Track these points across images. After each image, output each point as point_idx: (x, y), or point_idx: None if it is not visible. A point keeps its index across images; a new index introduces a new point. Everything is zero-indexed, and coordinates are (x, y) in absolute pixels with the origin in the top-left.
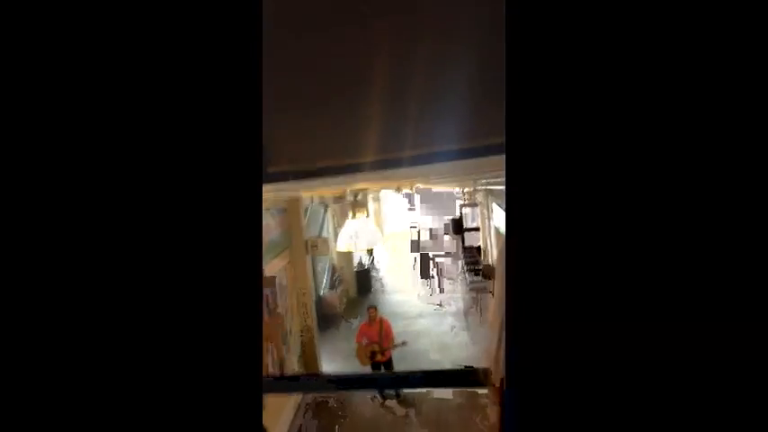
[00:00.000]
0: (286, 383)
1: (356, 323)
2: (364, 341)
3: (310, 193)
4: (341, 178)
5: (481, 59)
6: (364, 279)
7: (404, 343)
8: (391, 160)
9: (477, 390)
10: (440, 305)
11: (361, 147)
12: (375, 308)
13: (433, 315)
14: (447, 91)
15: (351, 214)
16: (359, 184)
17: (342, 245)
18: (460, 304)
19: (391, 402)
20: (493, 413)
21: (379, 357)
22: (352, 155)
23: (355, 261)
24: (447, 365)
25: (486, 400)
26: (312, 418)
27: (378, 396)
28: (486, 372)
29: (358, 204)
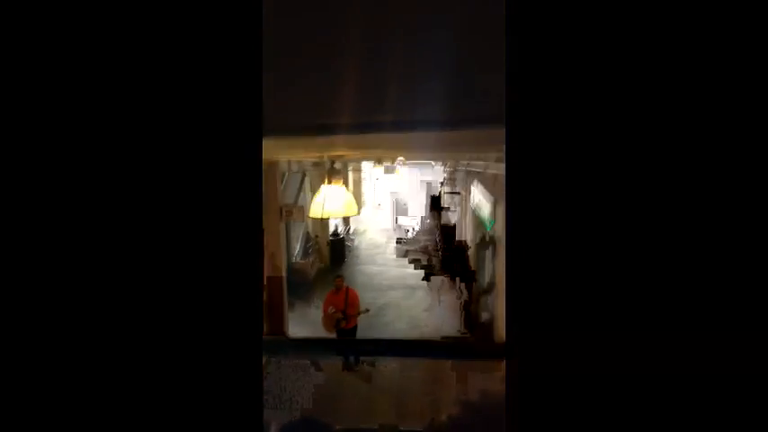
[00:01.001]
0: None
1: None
2: (330, 309)
3: (288, 157)
4: (319, 139)
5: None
6: (338, 249)
7: (366, 310)
8: (370, 123)
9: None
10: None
11: (341, 107)
12: (341, 277)
13: (403, 288)
14: (431, 60)
15: (326, 181)
16: (337, 150)
17: (314, 211)
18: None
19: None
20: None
21: (342, 324)
22: (330, 115)
23: (331, 230)
24: (412, 337)
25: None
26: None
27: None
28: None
29: (334, 172)
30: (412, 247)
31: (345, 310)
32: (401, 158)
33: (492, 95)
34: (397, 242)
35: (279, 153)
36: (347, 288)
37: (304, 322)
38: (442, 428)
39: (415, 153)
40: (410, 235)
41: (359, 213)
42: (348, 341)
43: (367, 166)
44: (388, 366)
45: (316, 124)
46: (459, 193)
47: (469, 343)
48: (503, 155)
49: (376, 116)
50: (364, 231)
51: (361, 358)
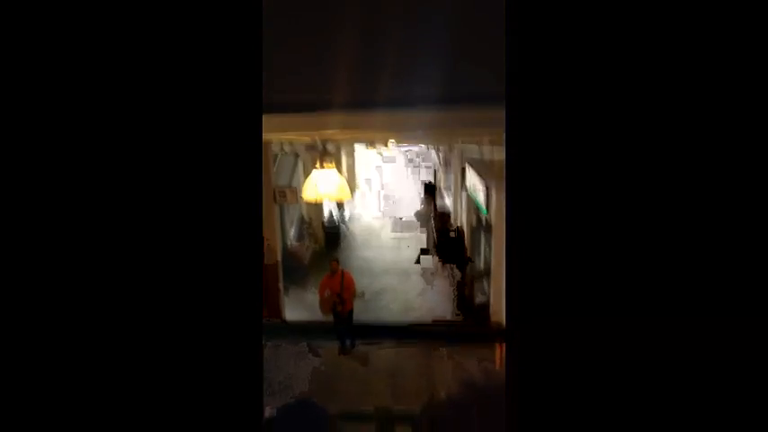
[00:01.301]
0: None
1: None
2: (326, 293)
3: (280, 137)
4: (311, 117)
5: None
6: (333, 233)
7: (362, 294)
8: (364, 101)
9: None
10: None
11: (334, 84)
12: (337, 261)
13: (398, 273)
14: (427, 37)
15: (319, 164)
16: (329, 130)
17: (307, 194)
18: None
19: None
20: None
21: (339, 308)
22: (323, 92)
23: (325, 214)
24: (407, 320)
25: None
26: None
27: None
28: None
29: (327, 154)
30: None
31: (341, 293)
32: (393, 141)
33: (489, 74)
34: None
35: (270, 132)
36: (342, 271)
37: (300, 306)
38: (437, 409)
39: (409, 135)
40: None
41: (352, 197)
42: (345, 325)
43: (359, 149)
44: (384, 349)
45: (308, 101)
46: (449, 166)
47: (463, 326)
48: (496, 137)
49: (369, 94)
50: (359, 217)
51: (357, 341)
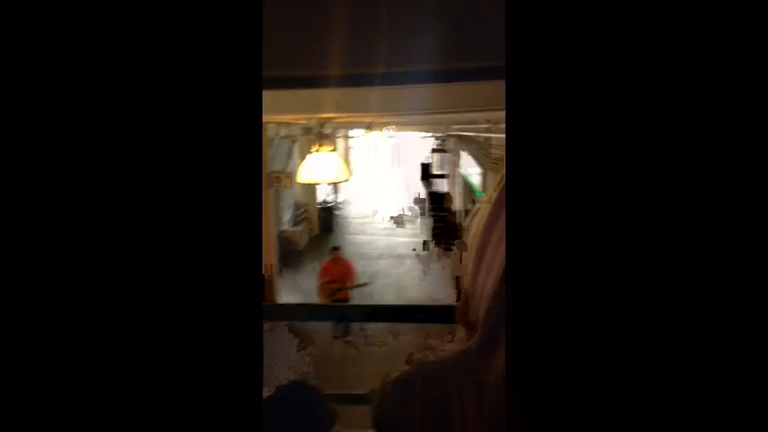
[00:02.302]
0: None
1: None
2: (326, 279)
3: (275, 118)
4: (307, 95)
5: None
6: (328, 217)
7: (366, 284)
8: (361, 76)
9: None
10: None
11: (330, 59)
12: (338, 248)
13: (393, 257)
14: (425, 10)
15: (315, 147)
16: (325, 111)
17: (303, 176)
18: (422, 248)
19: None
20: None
21: (338, 295)
22: (319, 67)
23: (320, 198)
24: (402, 303)
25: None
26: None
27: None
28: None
29: (323, 136)
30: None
31: (342, 281)
32: (392, 126)
33: (488, 49)
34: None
35: (265, 114)
36: (343, 259)
37: (295, 291)
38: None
39: (406, 121)
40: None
41: (348, 180)
42: (338, 307)
43: (356, 133)
44: (378, 332)
45: (302, 77)
46: (446, 151)
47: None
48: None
49: (366, 68)
50: (355, 201)
51: (349, 330)
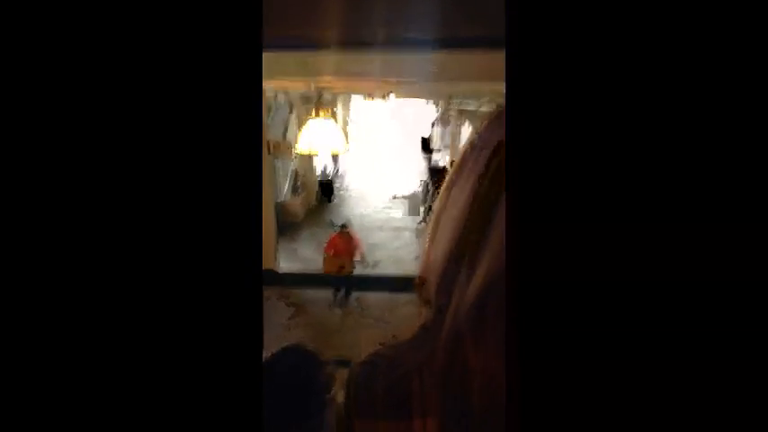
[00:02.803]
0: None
1: (321, 234)
2: (332, 253)
3: (274, 83)
4: (305, 59)
5: None
6: (327, 187)
7: (375, 263)
8: (361, 41)
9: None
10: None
11: (329, 23)
12: (349, 224)
13: (391, 230)
14: None
15: (313, 113)
16: (324, 77)
17: (301, 146)
18: (421, 221)
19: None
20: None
21: (344, 271)
22: (318, 31)
23: (320, 168)
24: (401, 273)
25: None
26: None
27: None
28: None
29: (322, 104)
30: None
31: (348, 256)
32: (391, 93)
33: (491, 16)
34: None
35: (264, 79)
36: (351, 235)
37: (294, 260)
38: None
39: (407, 89)
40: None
41: (348, 149)
42: (337, 277)
43: (356, 100)
44: (378, 302)
45: (302, 40)
46: (448, 123)
47: None
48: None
49: (366, 33)
50: (354, 171)
51: (347, 301)
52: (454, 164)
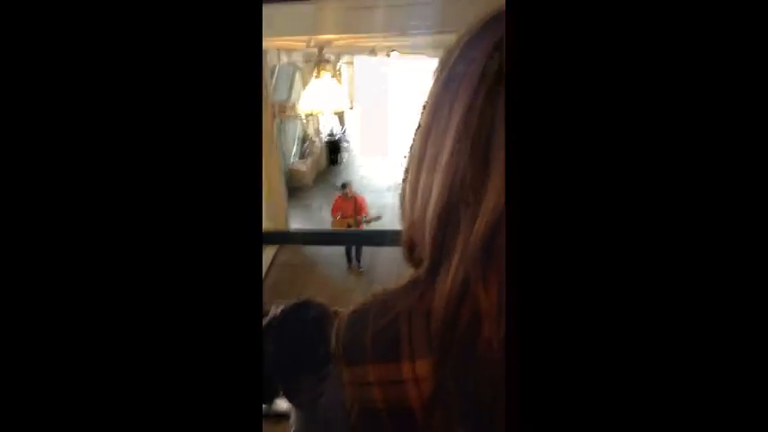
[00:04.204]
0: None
1: (328, 196)
2: (339, 215)
3: (275, 42)
4: (305, 14)
5: None
6: (334, 149)
7: (378, 217)
8: None
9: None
10: None
11: None
12: (348, 184)
13: (399, 189)
14: None
15: (315, 72)
16: (325, 35)
17: (304, 105)
18: None
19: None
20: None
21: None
22: None
23: (326, 130)
24: None
25: None
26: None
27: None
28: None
29: (323, 61)
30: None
31: (355, 216)
32: (395, 51)
33: None
34: None
35: (264, 37)
36: (355, 194)
37: (305, 224)
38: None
39: (411, 41)
40: None
41: (352, 107)
42: (351, 232)
43: (360, 60)
44: (387, 261)
45: None
46: None
47: None
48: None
49: None
50: (361, 131)
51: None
52: (425, 107)
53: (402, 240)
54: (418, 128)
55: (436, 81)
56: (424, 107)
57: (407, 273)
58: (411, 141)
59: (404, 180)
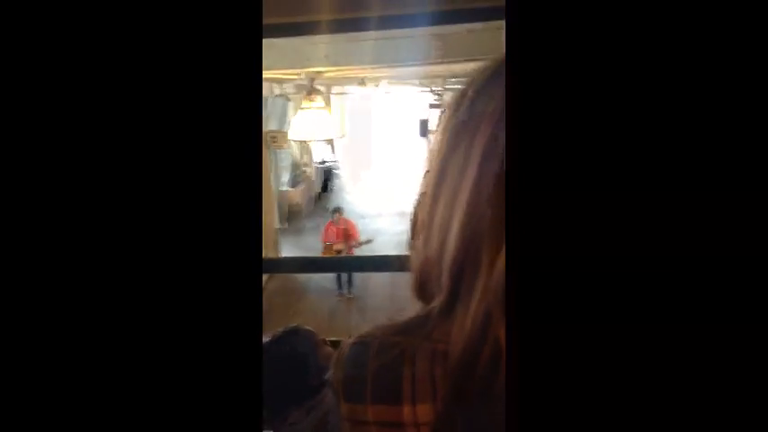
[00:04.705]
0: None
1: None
2: (330, 242)
3: (266, 75)
4: (295, 45)
5: None
6: (326, 176)
7: (369, 241)
8: (352, 20)
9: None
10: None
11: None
12: (340, 209)
13: (391, 215)
14: None
15: (305, 102)
16: (315, 67)
17: (293, 134)
18: None
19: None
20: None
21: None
22: (305, 12)
23: (318, 158)
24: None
25: None
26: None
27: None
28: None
29: (314, 91)
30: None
31: (345, 241)
32: (385, 81)
33: None
34: None
35: None
36: (345, 219)
37: (297, 251)
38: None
39: (400, 72)
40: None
41: (343, 135)
42: (339, 258)
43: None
44: (380, 287)
45: (291, 24)
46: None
47: None
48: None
49: (360, 11)
50: (351, 159)
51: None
52: (437, 142)
53: (413, 276)
54: (430, 166)
55: (451, 119)
56: (437, 145)
57: (404, 301)
58: (422, 180)
59: (414, 217)
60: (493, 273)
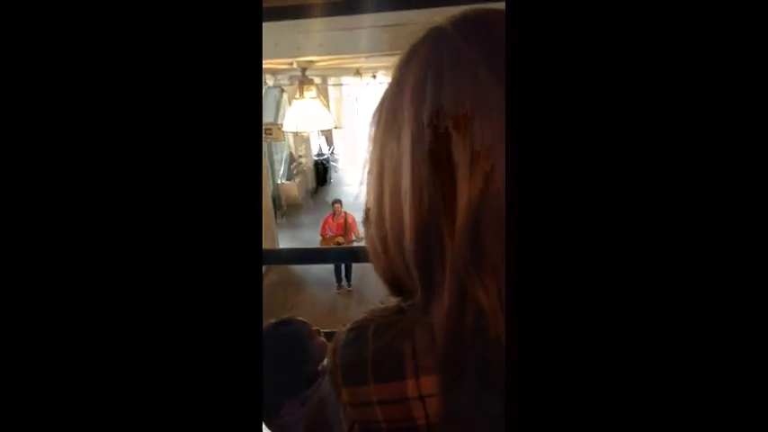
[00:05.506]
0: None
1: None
2: (328, 233)
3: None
4: (288, 37)
5: None
6: (323, 169)
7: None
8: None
9: None
10: None
11: None
12: (340, 201)
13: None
14: None
15: (298, 93)
16: (309, 56)
17: (288, 125)
18: None
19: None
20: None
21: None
22: None
23: (314, 150)
24: None
25: None
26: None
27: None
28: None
29: (307, 82)
30: None
31: (345, 235)
32: (381, 72)
33: None
34: None
35: None
36: (345, 212)
37: (294, 244)
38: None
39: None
40: None
41: (339, 126)
42: (338, 249)
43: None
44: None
45: (283, 6)
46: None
47: None
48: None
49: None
50: (348, 150)
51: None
52: (372, 138)
53: (385, 283)
54: (370, 166)
55: (380, 111)
56: (372, 142)
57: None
58: (365, 184)
59: (365, 224)
60: (454, 241)
